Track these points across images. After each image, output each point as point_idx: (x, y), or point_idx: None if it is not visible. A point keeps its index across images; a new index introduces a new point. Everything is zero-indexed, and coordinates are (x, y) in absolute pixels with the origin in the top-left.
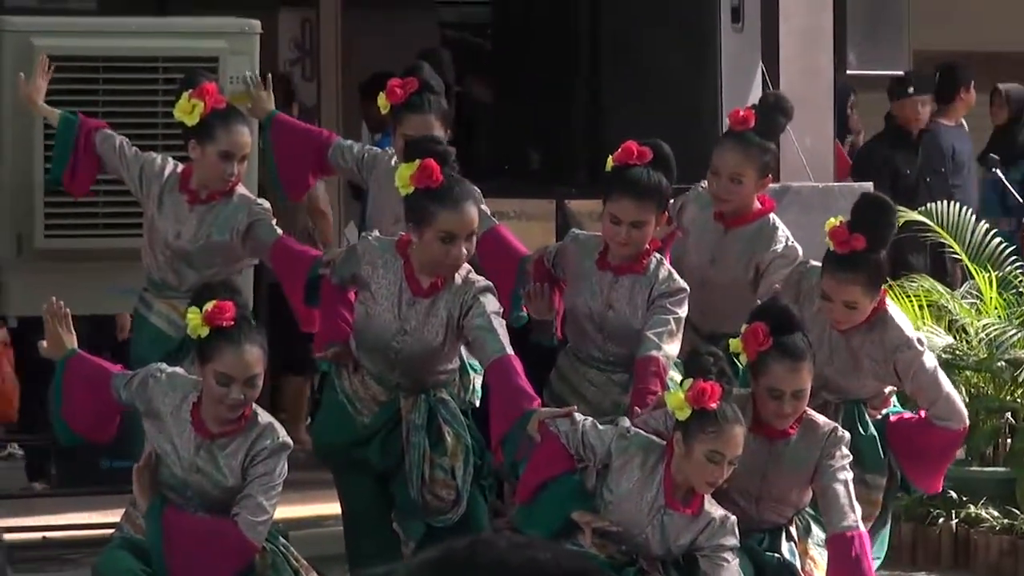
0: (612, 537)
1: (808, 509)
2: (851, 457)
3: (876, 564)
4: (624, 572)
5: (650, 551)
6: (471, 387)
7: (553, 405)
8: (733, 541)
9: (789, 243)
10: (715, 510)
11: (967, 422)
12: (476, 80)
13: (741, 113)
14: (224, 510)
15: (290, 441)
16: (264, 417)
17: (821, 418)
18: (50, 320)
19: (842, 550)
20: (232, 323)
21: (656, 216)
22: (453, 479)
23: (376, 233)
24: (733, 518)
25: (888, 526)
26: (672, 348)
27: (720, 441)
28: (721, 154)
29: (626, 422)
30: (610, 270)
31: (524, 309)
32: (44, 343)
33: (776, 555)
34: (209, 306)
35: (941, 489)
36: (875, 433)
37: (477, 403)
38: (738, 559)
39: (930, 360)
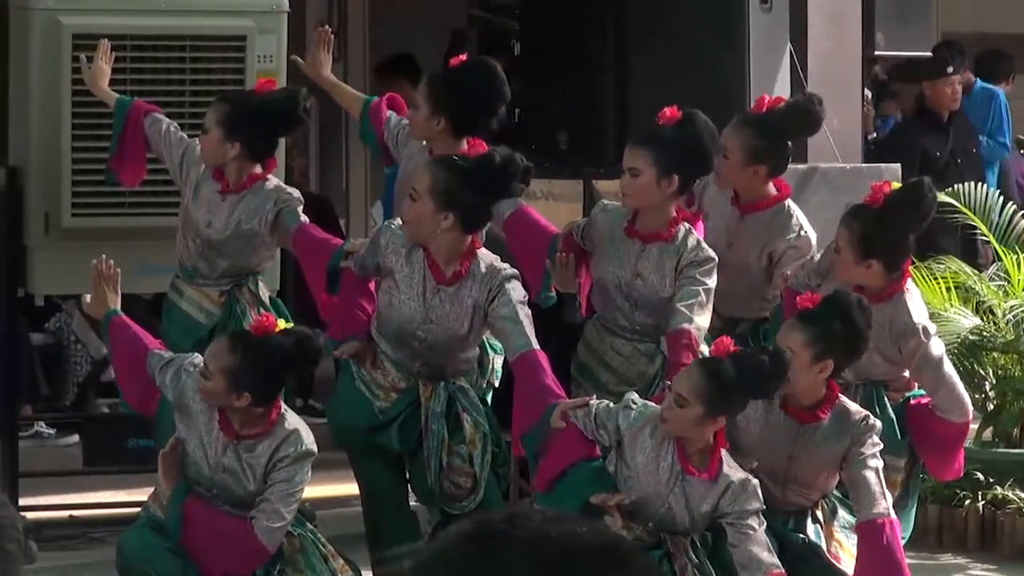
0: (639, 515)
1: (835, 492)
2: (881, 445)
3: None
4: (650, 555)
5: (675, 524)
6: (491, 367)
7: (579, 376)
8: (757, 504)
9: (803, 233)
10: (734, 473)
11: (969, 417)
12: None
13: (767, 100)
14: (248, 507)
15: (314, 448)
16: (291, 423)
17: (853, 405)
18: (97, 279)
19: (873, 537)
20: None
21: (657, 175)
22: (471, 466)
23: (399, 221)
24: (755, 481)
25: (914, 507)
26: (703, 320)
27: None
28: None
29: (633, 395)
30: (638, 238)
31: (553, 289)
32: (87, 297)
33: (801, 536)
34: None
35: (960, 475)
36: (893, 416)
37: (496, 383)
38: (764, 523)
39: (936, 350)
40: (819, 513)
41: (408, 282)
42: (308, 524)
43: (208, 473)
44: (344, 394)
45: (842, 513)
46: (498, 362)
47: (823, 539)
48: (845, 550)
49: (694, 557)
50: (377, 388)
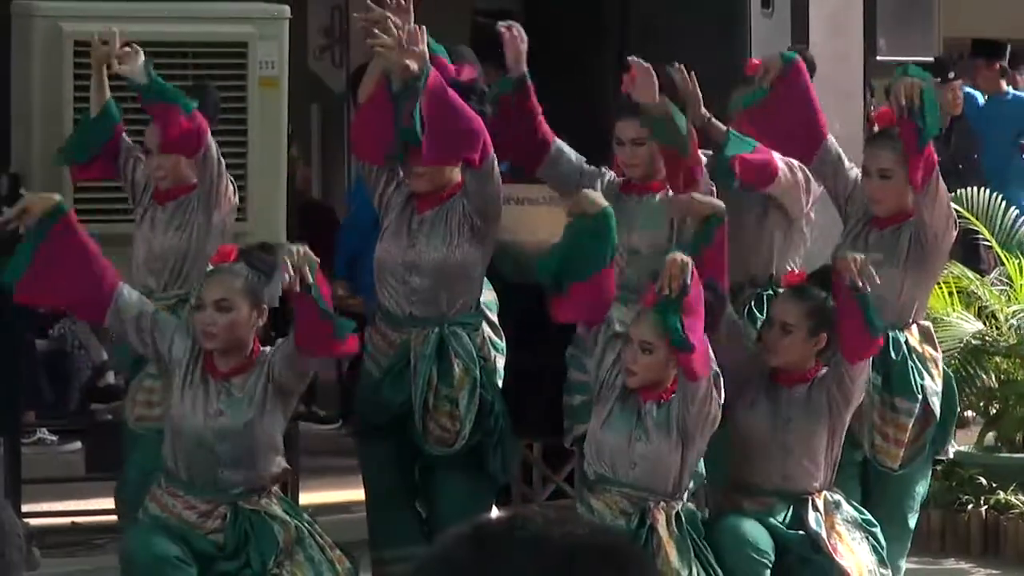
0: (619, 465)
1: (838, 491)
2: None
3: (914, 519)
4: (636, 535)
5: (654, 456)
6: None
7: (575, 349)
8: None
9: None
10: None
11: None
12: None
13: (753, 62)
14: (251, 445)
15: None
16: (267, 350)
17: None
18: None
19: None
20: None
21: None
22: (456, 409)
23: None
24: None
25: (929, 467)
26: None
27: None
28: None
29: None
30: (635, 192)
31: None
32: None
33: (800, 532)
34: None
35: None
36: (907, 355)
37: (499, 383)
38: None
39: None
40: (820, 503)
41: (400, 217)
42: (305, 515)
43: (204, 420)
44: (360, 379)
45: (845, 507)
46: (500, 361)
47: (823, 529)
48: (845, 543)
49: (675, 530)
50: (381, 356)
